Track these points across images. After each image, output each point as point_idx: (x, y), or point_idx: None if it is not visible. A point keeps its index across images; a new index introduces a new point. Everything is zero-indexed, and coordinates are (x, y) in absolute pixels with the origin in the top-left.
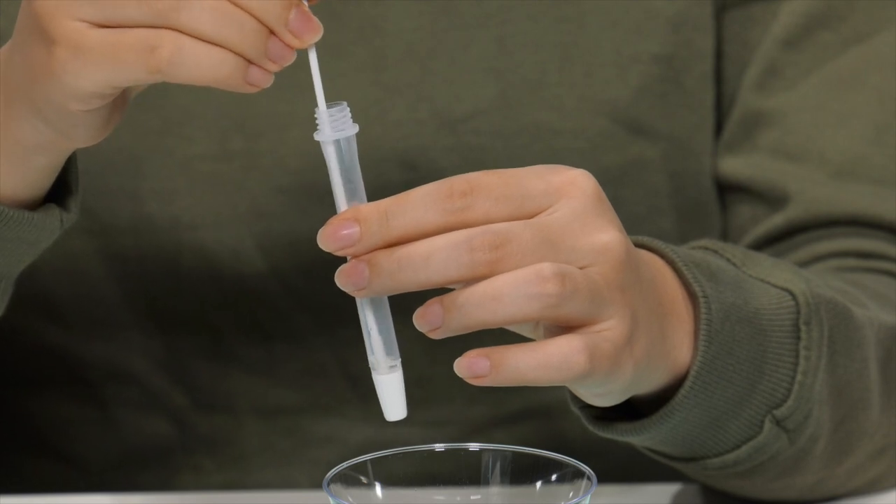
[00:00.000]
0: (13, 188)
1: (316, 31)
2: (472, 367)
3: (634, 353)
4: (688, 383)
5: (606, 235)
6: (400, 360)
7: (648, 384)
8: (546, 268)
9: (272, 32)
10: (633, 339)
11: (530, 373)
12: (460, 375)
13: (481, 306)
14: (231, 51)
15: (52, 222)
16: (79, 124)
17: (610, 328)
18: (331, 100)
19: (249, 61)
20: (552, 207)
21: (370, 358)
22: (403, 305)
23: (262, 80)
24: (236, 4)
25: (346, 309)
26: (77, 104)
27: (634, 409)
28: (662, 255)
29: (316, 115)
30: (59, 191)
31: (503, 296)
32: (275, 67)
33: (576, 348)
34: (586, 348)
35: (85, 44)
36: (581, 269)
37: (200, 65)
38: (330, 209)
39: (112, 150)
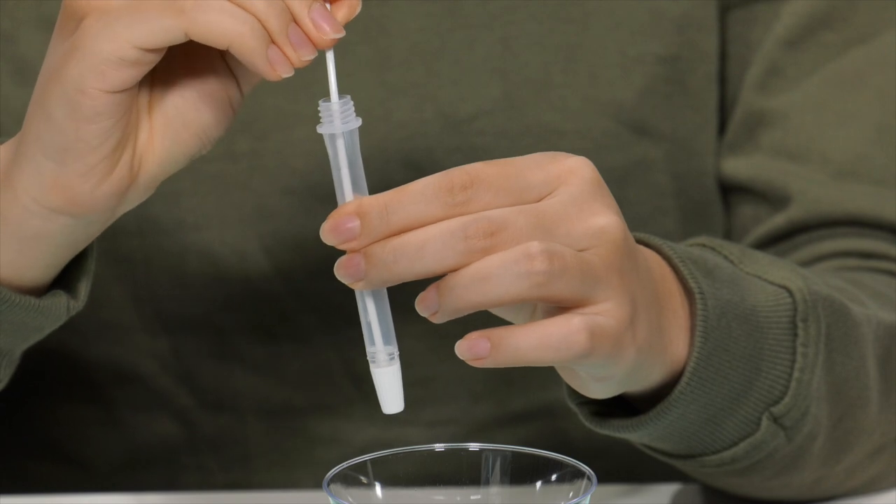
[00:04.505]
0: (17, 270)
1: (335, 29)
2: (472, 348)
3: (637, 337)
4: (684, 379)
5: (603, 219)
6: (398, 351)
7: (646, 378)
8: (533, 246)
9: (296, 19)
10: (634, 322)
11: (530, 352)
12: (461, 357)
13: (471, 287)
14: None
15: (58, 310)
16: (82, 125)
17: (608, 310)
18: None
19: (273, 40)
20: (550, 195)
21: (368, 349)
22: (407, 304)
23: (282, 64)
24: None
25: (351, 309)
26: (94, 78)
27: (631, 408)
28: (659, 252)
29: (320, 108)
30: (71, 279)
31: (492, 276)
32: (294, 55)
33: (576, 327)
34: (587, 327)
35: (111, 7)
36: (578, 252)
37: (224, 17)
38: (335, 209)
39: None
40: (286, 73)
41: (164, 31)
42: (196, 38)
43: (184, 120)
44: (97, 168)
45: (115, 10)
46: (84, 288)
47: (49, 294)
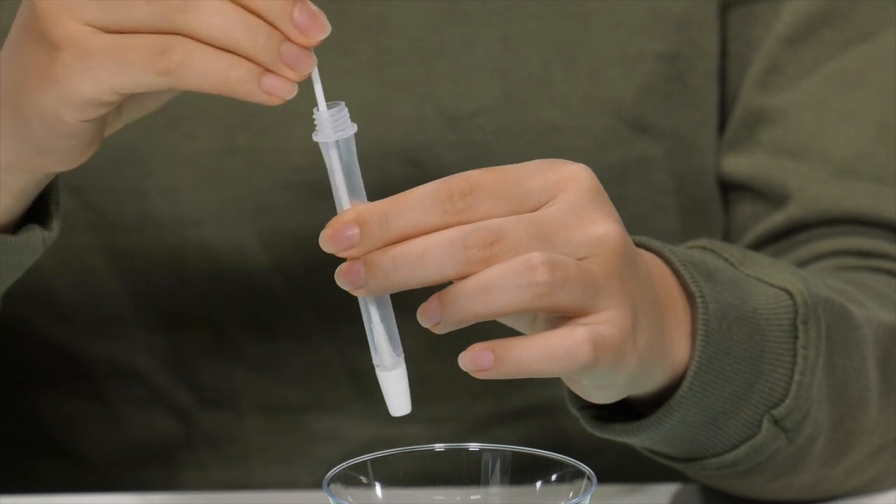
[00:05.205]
0: None
1: (323, 28)
2: (476, 360)
3: (638, 345)
4: (686, 383)
5: (602, 227)
6: (403, 355)
7: (648, 383)
8: (535, 257)
9: (279, 30)
10: (635, 329)
11: (534, 364)
12: (465, 369)
13: (473, 298)
14: (244, 57)
15: (34, 243)
16: (60, 141)
17: (609, 319)
18: (335, 98)
19: (266, 69)
20: (549, 203)
21: (374, 355)
22: (406, 302)
23: (281, 88)
24: (244, 7)
25: (350, 305)
26: (73, 112)
27: (633, 410)
28: (660, 255)
29: (314, 117)
30: (41, 208)
31: (494, 287)
32: (293, 74)
33: (579, 338)
34: (590, 339)
35: (91, 46)
36: (578, 261)
37: (211, 69)
38: (334, 206)
39: (117, 147)
40: (289, 94)
41: (148, 85)
42: (182, 90)
43: (150, 95)
44: (73, 157)
45: (96, 53)
46: (55, 220)
47: (23, 229)
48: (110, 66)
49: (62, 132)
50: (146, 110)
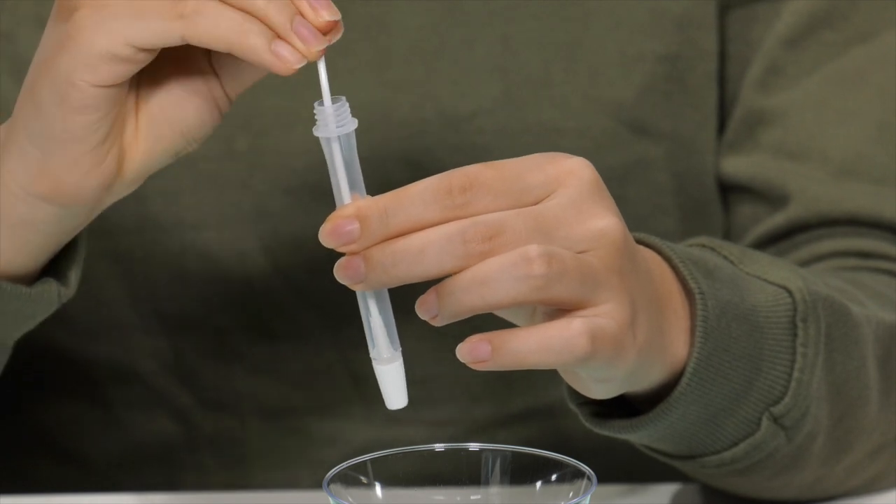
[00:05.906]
0: (5, 258)
1: (331, 10)
2: (473, 351)
3: (637, 339)
4: (685, 379)
5: (602, 221)
6: (400, 349)
7: (646, 378)
8: (532, 249)
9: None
10: (634, 323)
11: (531, 356)
12: (462, 360)
13: (470, 291)
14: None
15: (49, 297)
16: (68, 117)
17: (608, 312)
18: (333, 95)
19: (278, 37)
20: (549, 197)
21: (371, 348)
22: (407, 304)
23: (290, 56)
24: None
25: (351, 308)
26: (85, 72)
27: (632, 407)
28: (659, 252)
29: (315, 111)
30: (62, 266)
31: (490, 280)
32: (302, 47)
33: (577, 330)
34: (588, 331)
35: (108, 2)
36: (578, 254)
37: (225, 22)
38: (334, 208)
39: None
40: (298, 63)
41: (161, 33)
42: (194, 43)
43: (168, 119)
44: (83, 160)
45: (113, 5)
46: (74, 275)
47: (39, 282)
48: (125, 15)
49: (71, 102)
50: (159, 158)
